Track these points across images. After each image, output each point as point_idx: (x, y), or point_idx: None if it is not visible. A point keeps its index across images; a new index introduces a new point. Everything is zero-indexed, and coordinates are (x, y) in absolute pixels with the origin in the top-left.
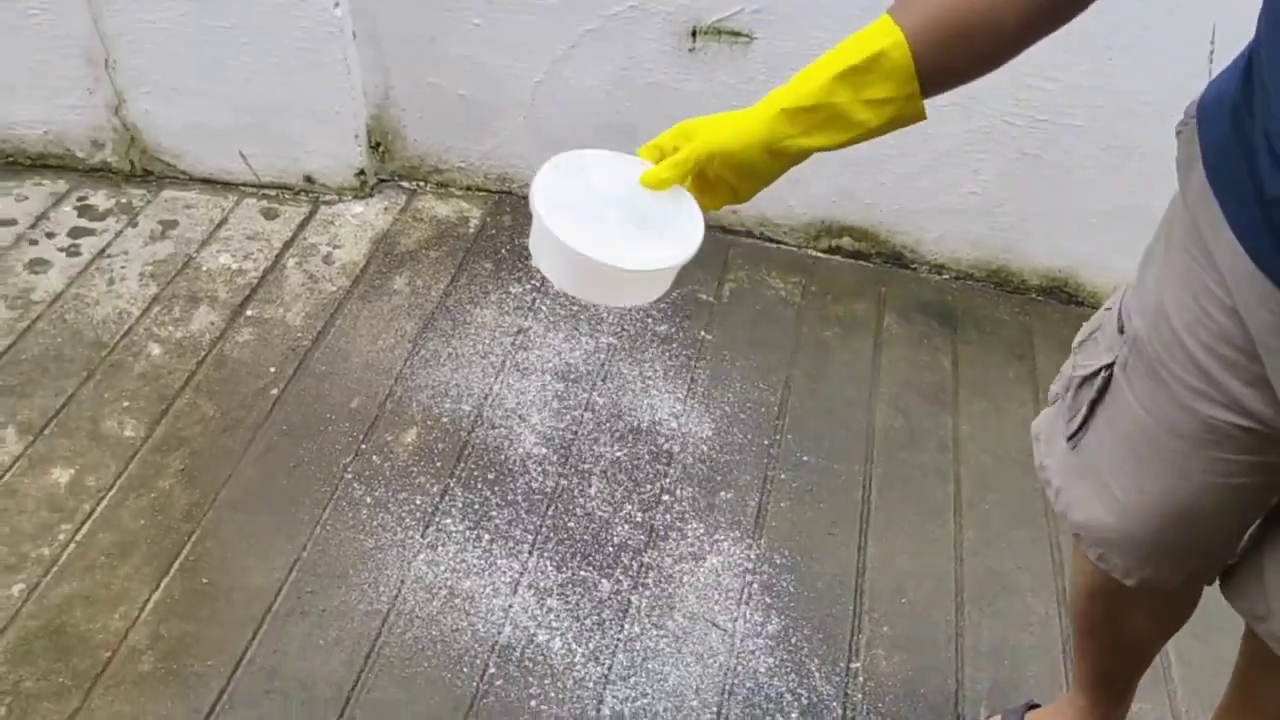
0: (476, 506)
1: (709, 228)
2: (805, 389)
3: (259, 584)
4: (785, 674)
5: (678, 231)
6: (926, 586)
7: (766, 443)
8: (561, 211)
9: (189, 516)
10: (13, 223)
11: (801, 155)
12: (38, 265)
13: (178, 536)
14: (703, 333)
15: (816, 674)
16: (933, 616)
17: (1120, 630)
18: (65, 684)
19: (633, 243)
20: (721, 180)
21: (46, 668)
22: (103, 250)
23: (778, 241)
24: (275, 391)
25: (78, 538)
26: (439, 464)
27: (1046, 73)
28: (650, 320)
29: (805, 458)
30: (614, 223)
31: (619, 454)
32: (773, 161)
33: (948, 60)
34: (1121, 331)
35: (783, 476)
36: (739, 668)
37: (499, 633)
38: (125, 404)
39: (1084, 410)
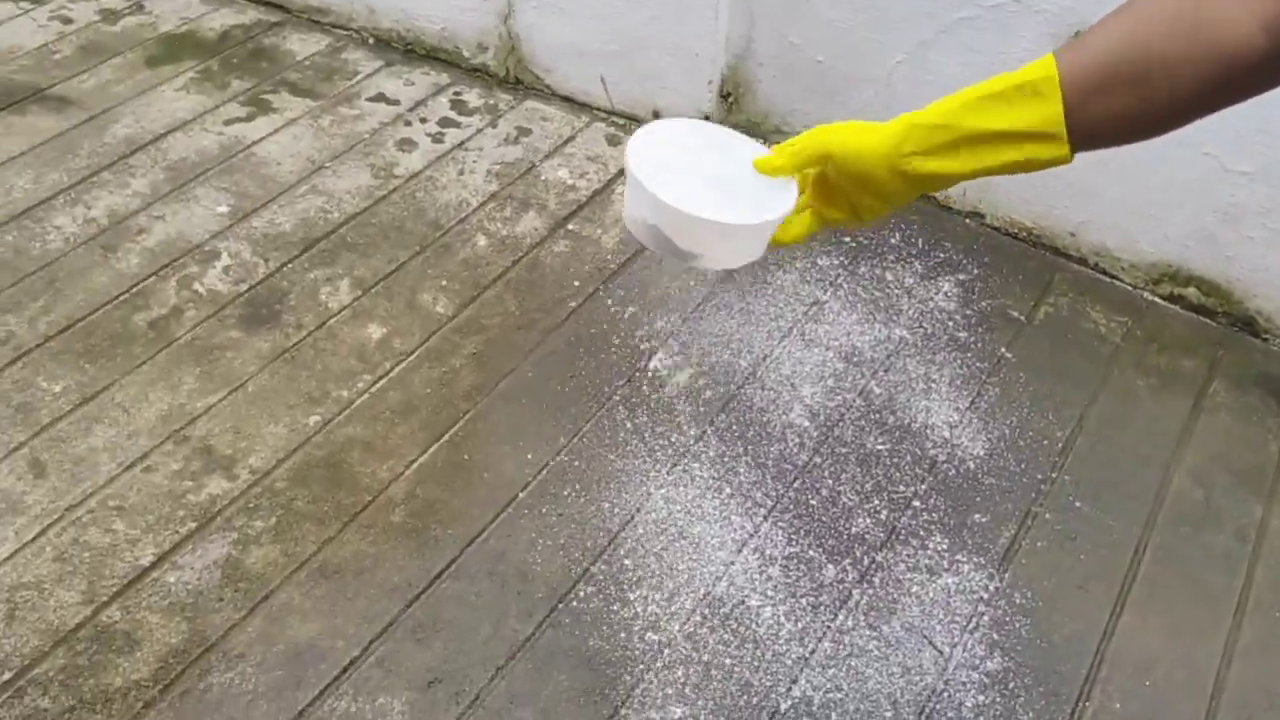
0: (726, 459)
1: (1035, 245)
2: (1099, 433)
3: (511, 473)
4: (993, 717)
5: (765, 205)
6: (1178, 676)
7: (1039, 477)
8: (653, 162)
9: (468, 396)
10: (396, 103)
11: (927, 180)
12: (405, 145)
13: (454, 411)
14: (1003, 349)
15: None
16: (1177, 709)
17: None
18: (328, 512)
19: (711, 202)
20: (841, 191)
21: (317, 494)
22: (462, 143)
23: (1112, 276)
24: (573, 304)
25: (373, 389)
26: (702, 409)
27: None
28: (951, 324)
29: (1078, 503)
30: (702, 184)
31: (880, 447)
32: (893, 180)
33: (1102, 108)
34: None
35: (1048, 516)
36: (945, 694)
37: (714, 584)
38: (443, 283)
39: None
